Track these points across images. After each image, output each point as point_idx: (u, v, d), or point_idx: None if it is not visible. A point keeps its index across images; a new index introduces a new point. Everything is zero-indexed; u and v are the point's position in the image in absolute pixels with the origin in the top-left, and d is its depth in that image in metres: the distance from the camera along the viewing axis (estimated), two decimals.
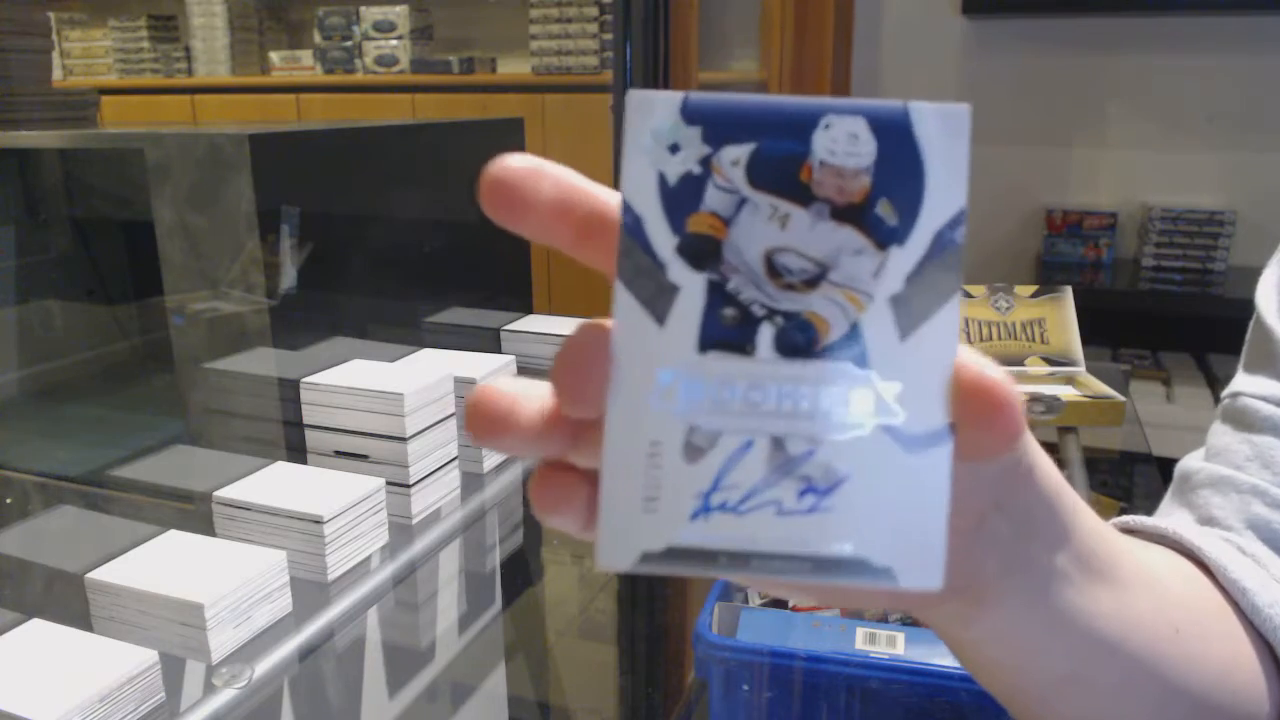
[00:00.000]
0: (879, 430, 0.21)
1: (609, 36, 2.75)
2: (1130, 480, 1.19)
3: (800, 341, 0.21)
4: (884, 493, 0.21)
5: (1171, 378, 2.16)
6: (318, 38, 3.17)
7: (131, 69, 3.41)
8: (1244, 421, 0.45)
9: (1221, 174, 2.32)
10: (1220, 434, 0.47)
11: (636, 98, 0.21)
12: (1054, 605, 0.30)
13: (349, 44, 3.13)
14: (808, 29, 2.37)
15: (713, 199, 0.21)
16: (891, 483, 0.21)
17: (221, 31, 3.27)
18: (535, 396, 0.22)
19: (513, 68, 3.09)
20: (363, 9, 3.08)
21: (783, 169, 0.21)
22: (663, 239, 0.21)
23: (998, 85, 2.45)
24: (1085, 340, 1.07)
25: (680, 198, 0.21)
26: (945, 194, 0.21)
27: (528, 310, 1.19)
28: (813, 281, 0.21)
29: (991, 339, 1.07)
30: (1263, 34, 2.22)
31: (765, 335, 0.21)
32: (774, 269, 0.21)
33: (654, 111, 0.21)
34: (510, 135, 1.21)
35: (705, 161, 0.21)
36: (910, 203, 0.21)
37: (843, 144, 0.21)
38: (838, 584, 0.21)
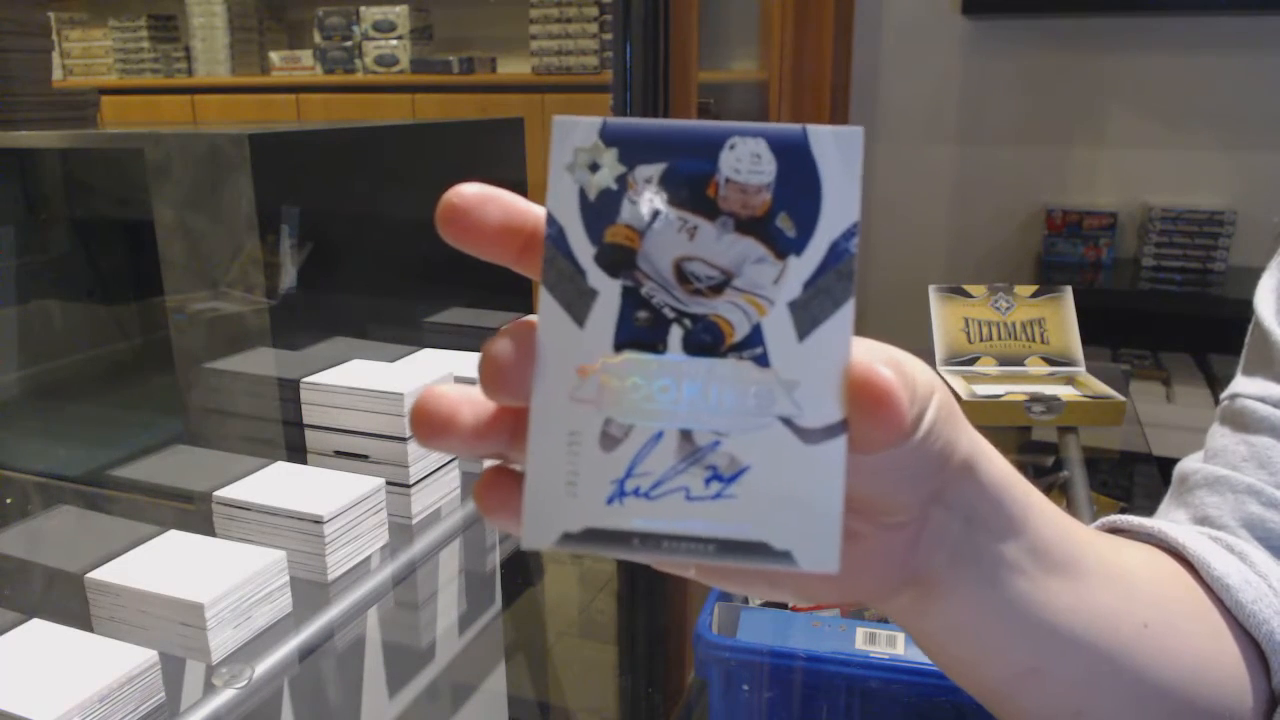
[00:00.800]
0: (779, 423, 0.23)
1: (609, 36, 2.75)
2: (1130, 480, 1.19)
3: (707, 341, 0.23)
4: (783, 481, 0.23)
5: (1171, 378, 2.16)
6: (318, 38, 3.17)
7: (131, 69, 3.41)
8: (1241, 423, 0.45)
9: (1221, 174, 2.32)
10: (1218, 435, 0.47)
11: (560, 121, 0.23)
12: (1007, 597, 0.31)
13: (349, 44, 3.13)
14: (808, 29, 2.37)
15: (628, 212, 0.23)
16: (790, 472, 0.23)
17: (221, 31, 3.27)
18: (475, 401, 0.24)
19: (513, 68, 3.09)
20: (363, 9, 3.08)
21: (691, 185, 0.23)
22: (582, 248, 0.23)
23: (998, 85, 2.45)
24: (1085, 340, 1.07)
25: (599, 211, 0.23)
26: (840, 208, 0.23)
27: (528, 310, 1.18)
28: (719, 287, 0.23)
29: (991, 339, 1.07)
30: (1263, 34, 2.22)
31: (675, 336, 0.23)
32: (684, 276, 0.23)
33: (576, 133, 0.23)
34: (510, 135, 1.21)
35: (622, 179, 0.23)
36: (808, 216, 0.23)
37: (746, 163, 0.23)
38: (742, 566, 0.23)
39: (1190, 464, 0.47)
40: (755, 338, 0.23)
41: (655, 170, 0.23)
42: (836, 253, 0.23)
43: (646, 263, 0.23)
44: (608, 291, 0.23)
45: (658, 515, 0.23)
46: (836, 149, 0.23)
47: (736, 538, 0.23)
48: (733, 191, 0.23)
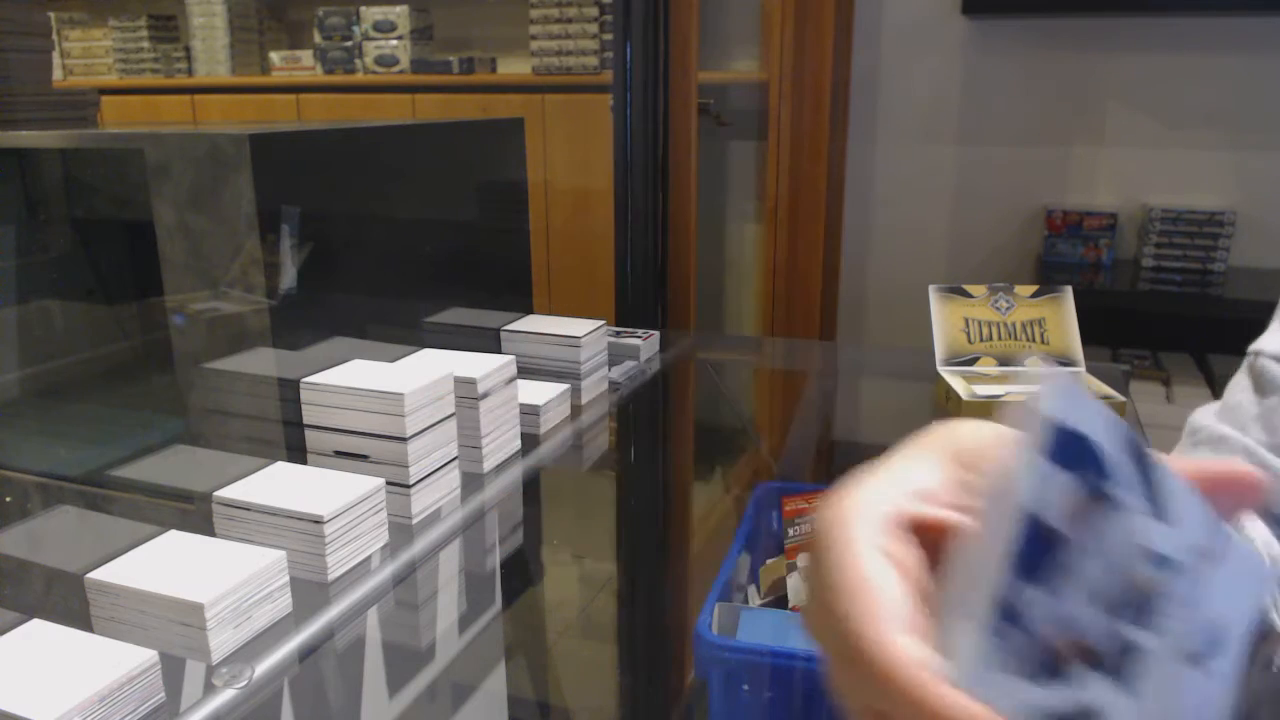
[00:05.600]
0: None
1: (609, 36, 2.75)
2: None
3: None
4: None
5: (1171, 378, 2.16)
6: (318, 38, 3.17)
7: (131, 69, 3.41)
8: (1259, 383, 0.48)
9: (1221, 174, 2.32)
10: (1238, 390, 0.49)
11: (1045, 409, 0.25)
12: None
13: (349, 44, 3.13)
14: (808, 29, 2.37)
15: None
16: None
17: (221, 31, 3.27)
18: None
19: (513, 68, 3.09)
20: (363, 9, 3.08)
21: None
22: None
23: (998, 85, 2.45)
24: (1085, 340, 1.07)
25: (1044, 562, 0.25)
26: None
27: (528, 310, 1.19)
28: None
29: (991, 339, 1.07)
30: (1263, 34, 2.22)
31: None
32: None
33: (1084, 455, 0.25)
34: (510, 135, 1.21)
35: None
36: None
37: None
38: None
39: (1202, 417, 0.49)
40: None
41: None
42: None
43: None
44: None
45: None
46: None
47: None
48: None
